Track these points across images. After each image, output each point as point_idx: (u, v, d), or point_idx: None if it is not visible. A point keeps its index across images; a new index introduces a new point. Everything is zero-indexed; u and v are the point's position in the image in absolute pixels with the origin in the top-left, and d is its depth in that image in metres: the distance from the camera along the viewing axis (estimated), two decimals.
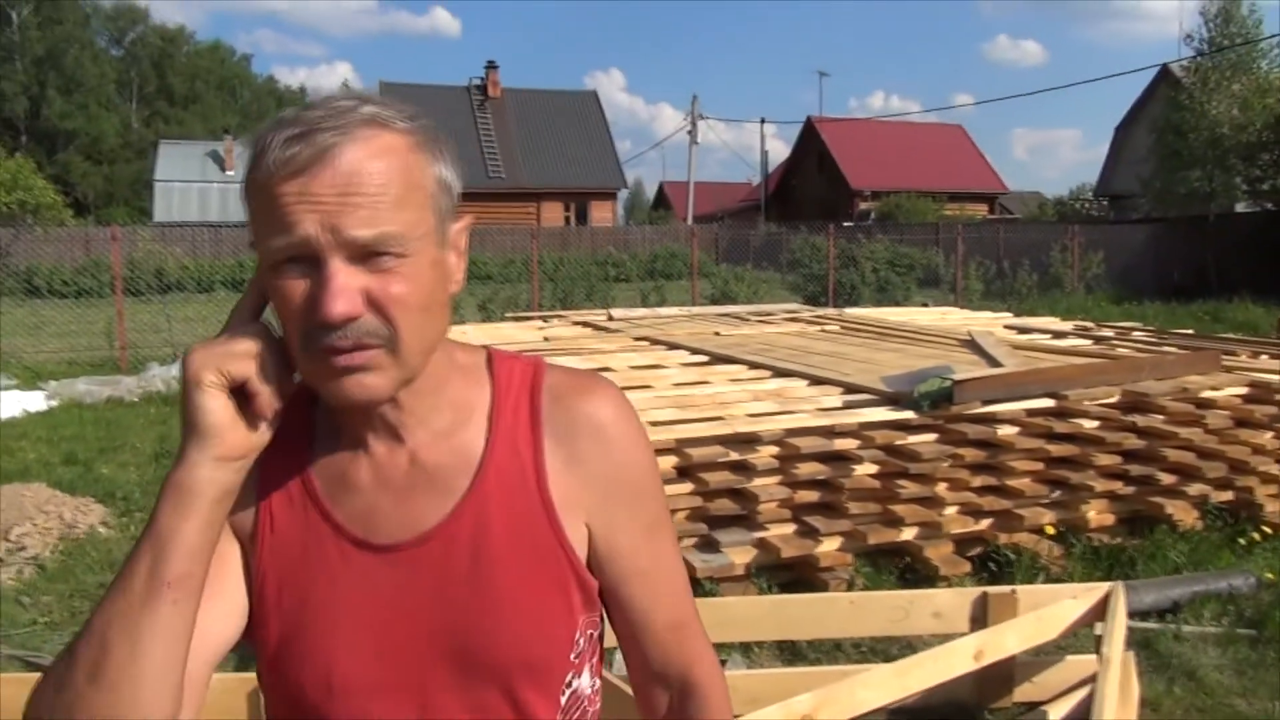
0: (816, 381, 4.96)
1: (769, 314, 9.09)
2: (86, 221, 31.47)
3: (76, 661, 0.75)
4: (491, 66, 37.83)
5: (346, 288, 0.74)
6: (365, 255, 0.75)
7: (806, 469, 4.00)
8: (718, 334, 7.30)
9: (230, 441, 0.78)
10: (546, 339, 7.38)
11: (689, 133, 34.74)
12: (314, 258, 0.75)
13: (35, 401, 8.82)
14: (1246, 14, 19.36)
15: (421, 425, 0.86)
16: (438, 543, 0.85)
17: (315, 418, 0.90)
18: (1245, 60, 19.25)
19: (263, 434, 0.80)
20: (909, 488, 4.12)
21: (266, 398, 0.79)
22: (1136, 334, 7.15)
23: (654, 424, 4.08)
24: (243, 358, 0.78)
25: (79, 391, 9.11)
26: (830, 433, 4.13)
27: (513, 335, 7.82)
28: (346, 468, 0.87)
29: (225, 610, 0.85)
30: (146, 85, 57.34)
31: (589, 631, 0.93)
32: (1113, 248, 20.11)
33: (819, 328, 7.73)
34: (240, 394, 0.79)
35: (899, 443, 4.15)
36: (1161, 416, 4.51)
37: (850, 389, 4.71)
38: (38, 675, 0.83)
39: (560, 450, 0.89)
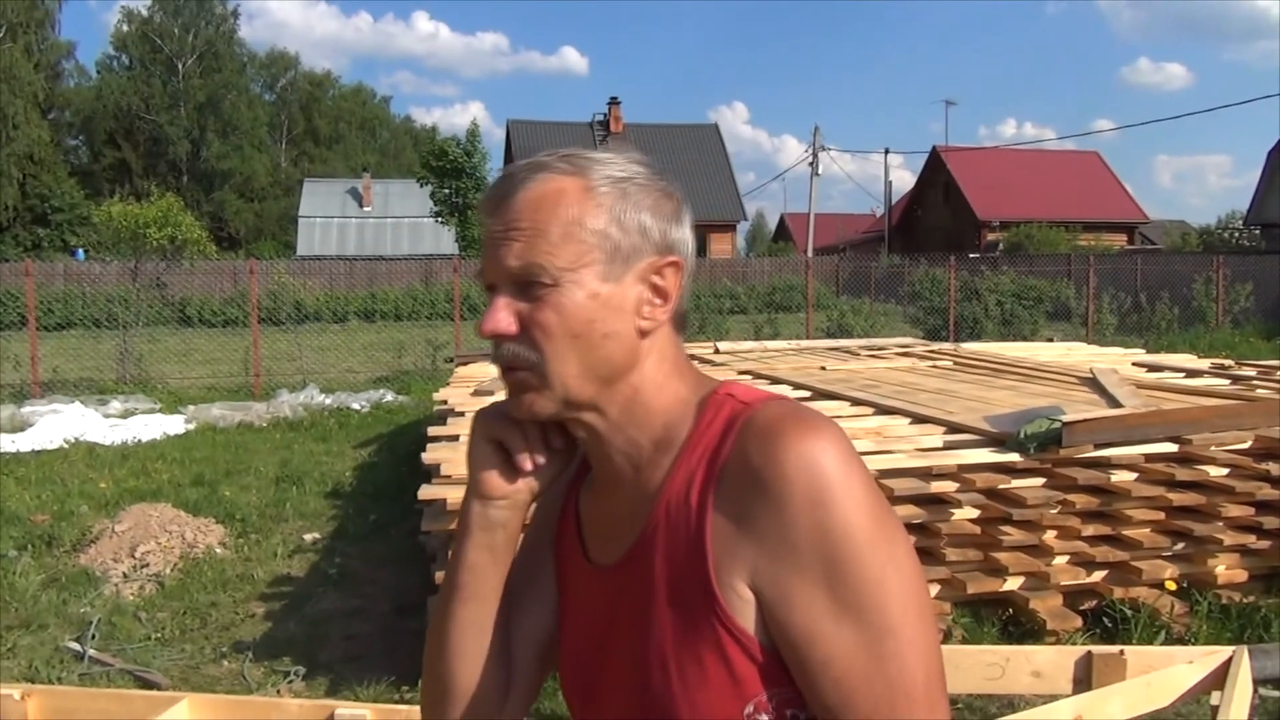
0: (920, 420, 4.79)
1: (880, 348, 8.86)
2: (238, 255, 33.50)
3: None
4: (614, 102, 38.58)
5: (500, 310, 0.86)
6: (522, 284, 0.86)
7: (901, 512, 3.84)
8: (823, 369, 7.16)
9: (488, 485, 0.93)
10: None
11: (810, 164, 34.47)
12: (491, 285, 0.88)
13: (175, 425, 9.41)
14: None
15: (623, 456, 0.91)
16: (621, 572, 0.91)
17: None
18: None
19: (521, 484, 0.93)
20: (1013, 534, 3.90)
21: (520, 452, 0.92)
22: None
23: None
24: (501, 419, 0.93)
25: (213, 416, 9.65)
26: (928, 474, 3.96)
27: None
28: (594, 488, 0.98)
29: (540, 609, 1.01)
30: (295, 127, 60.96)
31: (787, 711, 0.82)
32: (1264, 279, 18.77)
33: (931, 363, 7.47)
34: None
35: (1001, 487, 3.94)
36: None
37: (954, 429, 4.52)
38: (65, 689, 0.86)
39: (728, 496, 0.83)
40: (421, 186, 30.38)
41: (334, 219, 41.84)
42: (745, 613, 0.81)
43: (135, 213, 13.19)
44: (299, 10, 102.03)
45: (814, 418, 0.83)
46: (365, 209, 42.35)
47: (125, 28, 51.99)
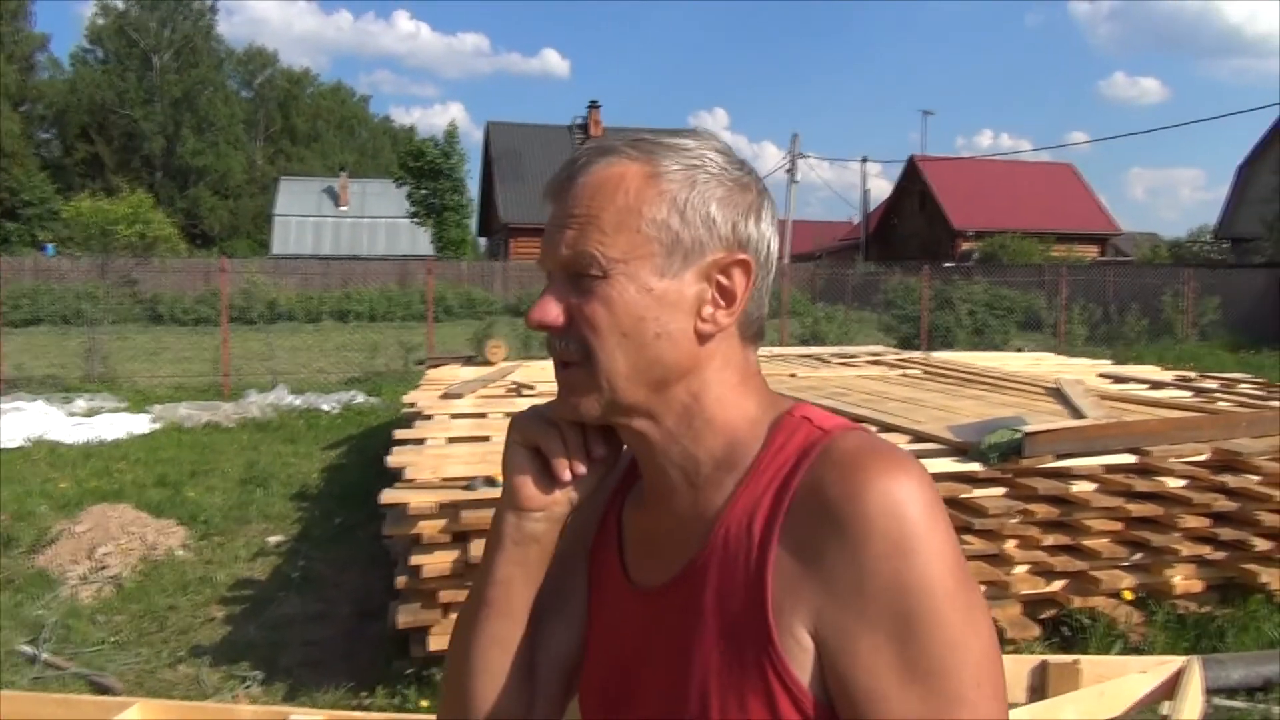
0: (886, 429, 4.81)
1: (851, 356, 8.91)
2: (212, 253, 33.21)
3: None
4: (594, 106, 38.58)
5: (548, 300, 0.81)
6: (573, 274, 0.80)
7: None
8: (794, 376, 7.19)
9: (523, 495, 0.86)
10: None
11: (788, 171, 34.61)
12: (549, 273, 0.83)
13: (140, 424, 9.29)
14: None
15: (679, 470, 0.84)
16: (665, 597, 0.84)
17: None
18: None
19: (560, 495, 0.86)
20: (973, 544, 3.92)
21: (558, 462, 0.85)
22: (1243, 386, 6.72)
23: None
24: (540, 424, 0.86)
25: (180, 416, 9.54)
26: None
27: None
28: (643, 501, 0.90)
29: (569, 627, 0.94)
30: (272, 124, 60.55)
31: None
32: (1232, 293, 19.04)
33: (901, 371, 7.52)
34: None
35: (963, 496, 3.97)
36: (1256, 477, 4.20)
37: (919, 438, 4.55)
38: (13, 694, 0.84)
39: (796, 531, 0.75)
40: (399, 187, 30.32)
41: (310, 218, 41.61)
42: (803, 662, 0.74)
43: (105, 209, 13.06)
44: (278, 7, 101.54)
45: (898, 454, 0.75)
46: (342, 208, 42.15)
47: (100, 21, 51.50)
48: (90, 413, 9.82)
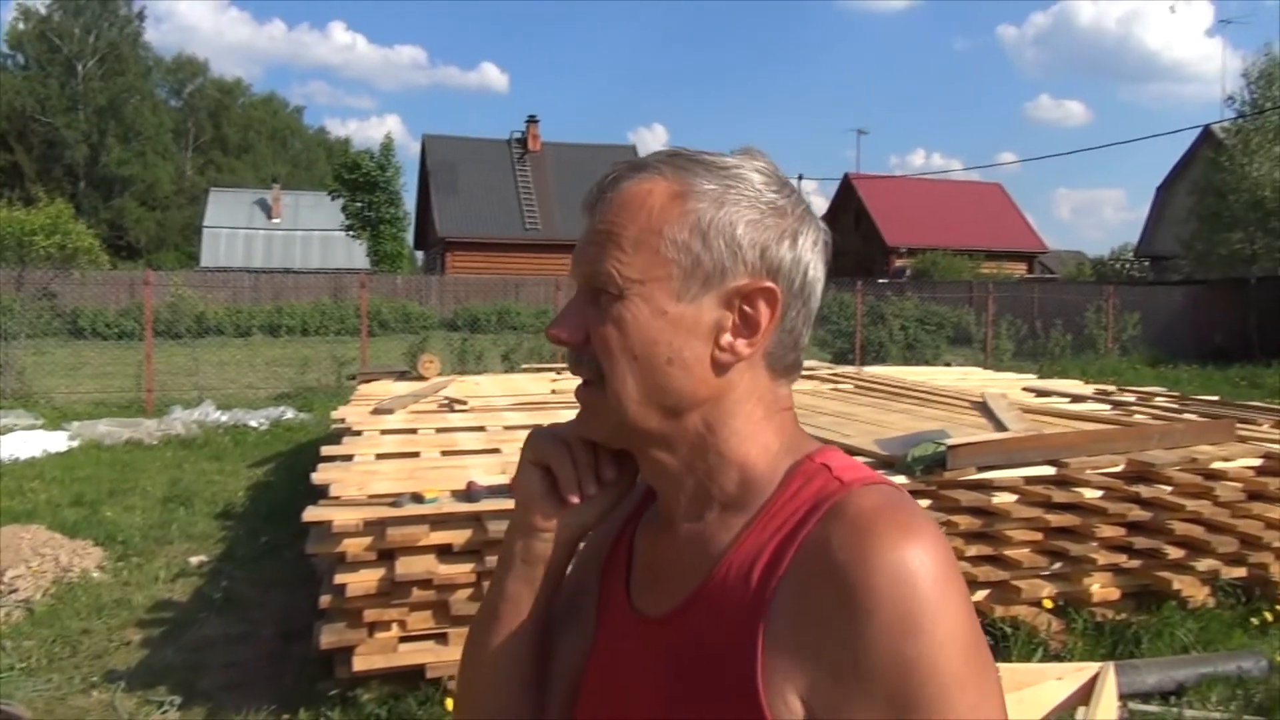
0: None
1: None
2: (138, 265, 32.29)
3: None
4: (532, 120, 38.50)
5: (568, 315, 0.80)
6: (593, 290, 0.79)
7: None
8: None
9: (534, 513, 0.86)
10: (554, 391, 7.36)
11: None
12: (578, 287, 0.82)
13: (57, 442, 8.96)
14: None
15: (691, 500, 0.81)
16: (663, 628, 0.81)
17: None
18: None
19: (568, 516, 0.85)
20: None
21: (566, 482, 0.84)
22: (1159, 400, 6.96)
23: None
24: (552, 442, 0.85)
25: (100, 433, 9.24)
26: None
27: (523, 387, 7.83)
28: (653, 527, 0.88)
29: (577, 645, 0.91)
30: (202, 135, 59.24)
31: None
32: (1151, 309, 19.75)
33: (833, 386, 7.63)
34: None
35: None
36: (1169, 487, 4.34)
37: (848, 451, 4.60)
38: None
39: (798, 588, 0.71)
40: (333, 199, 29.86)
41: (240, 230, 40.73)
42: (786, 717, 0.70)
43: (21, 219, 12.60)
44: (209, 15, 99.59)
45: (915, 518, 0.70)
46: (274, 220, 41.34)
47: (21, 25, 49.84)
48: (2, 430, 9.45)
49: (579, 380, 0.82)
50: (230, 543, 6.03)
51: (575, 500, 0.84)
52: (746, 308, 0.77)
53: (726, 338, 0.77)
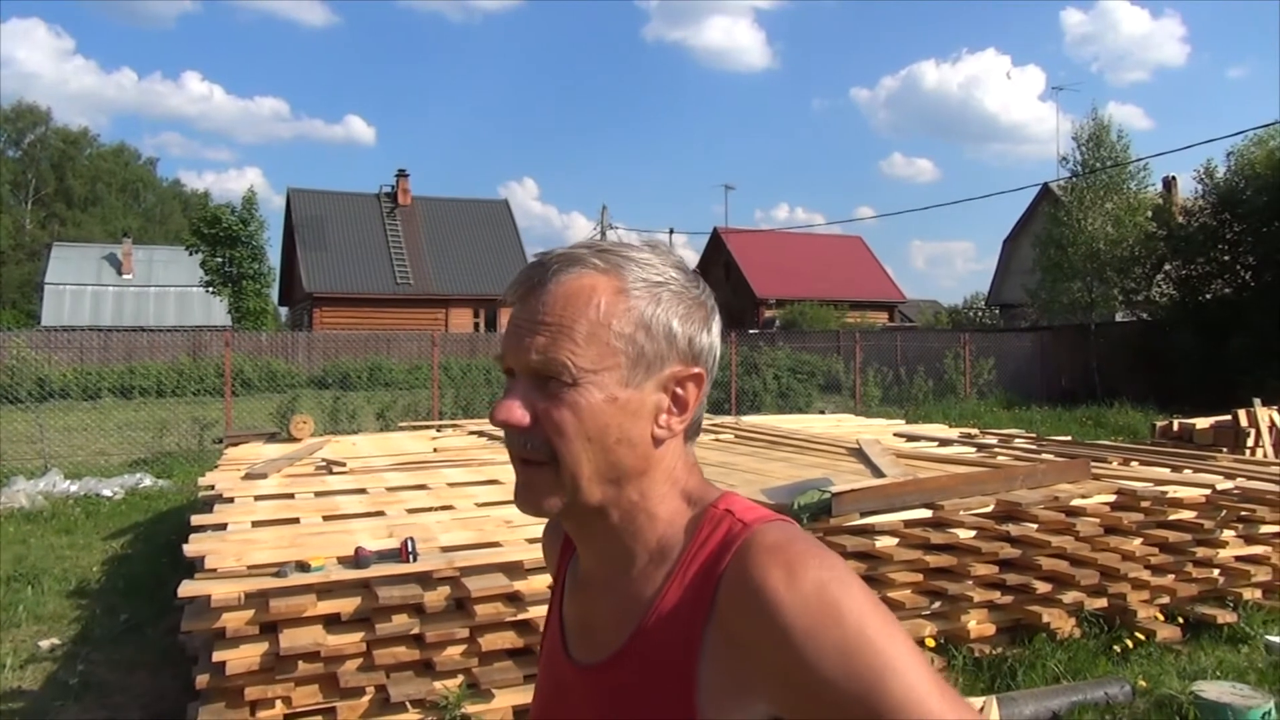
0: None
1: None
2: None
3: None
4: (402, 174, 38.11)
5: (515, 400, 0.85)
6: (542, 378, 0.84)
7: None
8: None
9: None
10: (436, 450, 7.21)
11: None
12: (510, 370, 0.87)
13: None
14: (1115, 139, 20.82)
15: (617, 560, 0.89)
16: (597, 676, 0.88)
17: None
18: (1116, 180, 20.56)
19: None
20: None
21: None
22: (1018, 441, 7.37)
23: (532, 540, 3.96)
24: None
25: None
26: None
27: (402, 446, 7.63)
28: (581, 583, 0.95)
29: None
30: (44, 186, 55.97)
31: None
32: (1003, 355, 20.95)
33: (713, 436, 7.75)
34: None
35: None
36: (1035, 525, 4.59)
37: None
38: None
39: (726, 625, 0.79)
40: (191, 254, 28.63)
41: (87, 286, 38.46)
42: None
43: None
44: (51, 62, 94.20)
45: (812, 544, 0.80)
46: (125, 276, 39.24)
47: None
48: None
49: (507, 458, 0.89)
50: (86, 622, 5.60)
51: None
52: (678, 389, 0.88)
53: (664, 417, 0.87)
